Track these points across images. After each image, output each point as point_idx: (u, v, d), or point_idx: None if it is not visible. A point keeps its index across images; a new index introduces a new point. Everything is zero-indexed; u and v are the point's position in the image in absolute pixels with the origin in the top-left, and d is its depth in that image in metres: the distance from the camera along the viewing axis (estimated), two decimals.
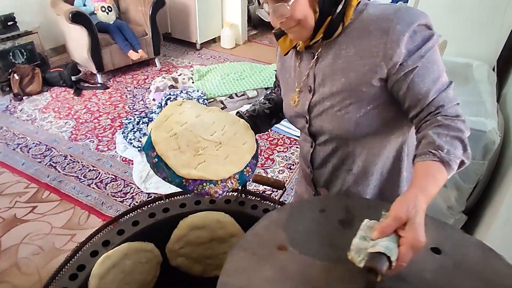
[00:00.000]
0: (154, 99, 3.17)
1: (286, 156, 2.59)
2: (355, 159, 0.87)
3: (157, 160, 0.79)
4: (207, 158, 0.81)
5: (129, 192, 2.22)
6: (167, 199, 1.00)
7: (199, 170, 0.78)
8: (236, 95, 3.20)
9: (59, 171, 2.38)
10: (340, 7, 0.74)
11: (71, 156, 2.53)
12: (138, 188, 2.23)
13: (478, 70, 1.91)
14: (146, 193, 2.20)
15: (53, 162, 2.46)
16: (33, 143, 2.66)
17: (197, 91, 3.09)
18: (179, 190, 0.87)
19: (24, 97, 3.25)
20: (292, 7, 0.72)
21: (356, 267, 0.58)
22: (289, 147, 2.67)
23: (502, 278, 0.63)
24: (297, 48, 0.85)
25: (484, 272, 0.64)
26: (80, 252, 0.87)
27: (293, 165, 2.50)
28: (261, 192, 2.18)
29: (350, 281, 0.62)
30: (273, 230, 0.72)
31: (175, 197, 1.01)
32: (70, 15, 3.09)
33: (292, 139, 2.75)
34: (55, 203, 2.14)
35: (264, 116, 1.02)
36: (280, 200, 0.98)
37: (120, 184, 2.28)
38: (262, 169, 2.46)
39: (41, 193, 2.21)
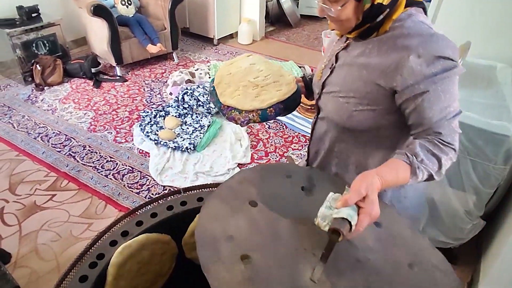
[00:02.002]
0: (171, 93, 3.20)
1: (300, 154, 2.58)
2: (341, 146, 0.98)
3: (212, 88, 1.05)
4: (242, 93, 1.01)
5: (145, 184, 2.25)
6: (184, 193, 1.01)
7: (232, 100, 1.00)
8: None
9: (77, 161, 2.44)
10: (381, 17, 0.79)
11: (89, 146, 2.58)
12: (154, 180, 2.27)
13: (501, 73, 1.86)
14: (162, 185, 2.24)
15: (72, 152, 2.52)
16: (53, 132, 2.73)
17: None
18: (195, 184, 0.92)
19: (45, 88, 3.33)
20: (340, 11, 0.79)
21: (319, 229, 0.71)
22: (304, 145, 2.67)
23: (425, 255, 0.79)
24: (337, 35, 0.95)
25: (412, 246, 0.81)
26: (99, 241, 0.89)
27: None
28: None
29: (313, 238, 0.74)
30: (245, 186, 0.82)
31: (192, 191, 1.02)
32: (92, 8, 3.14)
33: (307, 137, 2.74)
34: (73, 192, 2.20)
35: None
36: None
37: (137, 175, 2.32)
38: None
39: (60, 182, 2.27)
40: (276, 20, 5.11)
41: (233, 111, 0.99)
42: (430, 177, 0.77)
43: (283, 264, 0.68)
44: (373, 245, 0.78)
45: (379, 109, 0.83)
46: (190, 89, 2.98)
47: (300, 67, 3.54)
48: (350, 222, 0.66)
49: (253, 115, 0.98)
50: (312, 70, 3.68)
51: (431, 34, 0.77)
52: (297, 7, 5.25)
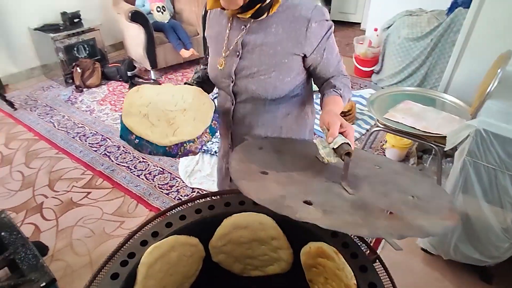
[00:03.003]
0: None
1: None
2: (268, 116, 1.12)
3: (138, 140, 0.94)
4: (180, 124, 0.97)
5: (175, 185, 2.31)
6: (212, 197, 1.03)
7: (177, 135, 0.94)
8: None
9: (112, 161, 2.54)
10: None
11: (123, 147, 2.69)
12: (183, 182, 2.33)
13: None
14: (190, 187, 2.29)
15: (107, 152, 2.63)
16: (91, 132, 2.86)
17: None
18: (224, 189, 0.93)
19: (84, 89, 3.50)
20: None
21: (319, 166, 0.88)
22: None
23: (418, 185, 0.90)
24: (227, 15, 1.03)
25: (414, 184, 0.90)
26: (131, 240, 0.92)
27: None
28: None
29: (323, 173, 0.88)
30: (245, 164, 0.89)
31: (221, 196, 1.04)
32: (130, 14, 3.28)
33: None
34: (107, 191, 2.29)
35: (208, 79, 1.17)
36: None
37: (167, 177, 2.38)
38: None
39: (95, 180, 2.38)
40: None
41: (185, 145, 0.94)
42: (348, 100, 1.07)
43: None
44: (377, 180, 0.92)
45: (294, 73, 1.04)
46: None
47: None
48: (348, 143, 0.83)
49: (205, 136, 0.98)
50: None
51: (314, 4, 0.98)
52: (329, 12, 5.22)
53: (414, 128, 1.99)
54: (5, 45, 3.50)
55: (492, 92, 1.66)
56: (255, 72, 1.03)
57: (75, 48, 3.58)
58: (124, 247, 0.91)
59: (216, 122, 1.02)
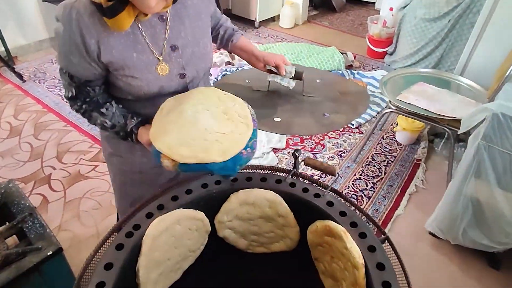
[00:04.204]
0: (210, 74, 3.22)
1: (337, 143, 2.52)
2: (202, 83, 1.09)
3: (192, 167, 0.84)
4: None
5: None
6: None
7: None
8: None
9: None
10: None
11: None
12: None
13: None
14: None
15: None
16: None
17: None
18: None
19: None
20: None
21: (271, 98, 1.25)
22: (341, 134, 2.60)
23: (348, 87, 1.36)
24: (140, 19, 0.85)
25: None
26: (137, 212, 0.92)
27: (344, 152, 2.43)
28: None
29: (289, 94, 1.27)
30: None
31: None
32: None
33: (345, 127, 2.66)
34: None
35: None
36: (332, 186, 0.96)
37: None
38: (312, 153, 2.42)
39: (102, 154, 2.38)
40: (319, 4, 4.96)
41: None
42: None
43: None
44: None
45: (210, 35, 1.07)
46: (229, 71, 2.98)
47: (342, 53, 3.42)
48: (295, 68, 1.20)
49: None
50: (355, 57, 3.54)
51: None
52: None
53: (427, 110, 1.94)
54: (14, 16, 3.46)
55: (511, 75, 1.59)
56: (197, 51, 0.98)
57: None
58: (130, 219, 0.91)
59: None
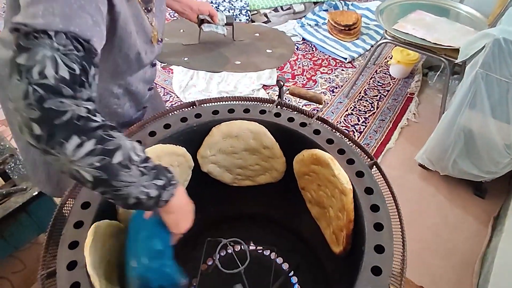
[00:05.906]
0: None
1: (329, 78, 2.43)
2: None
3: None
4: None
5: (168, 100, 2.23)
6: (199, 105, 0.96)
7: None
8: (282, 9, 2.94)
9: None
10: None
11: None
12: (178, 97, 2.24)
13: None
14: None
15: None
16: None
17: (240, 1, 2.87)
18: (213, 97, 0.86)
19: None
20: None
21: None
22: (333, 69, 2.50)
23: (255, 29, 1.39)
24: None
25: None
26: None
27: (336, 88, 2.36)
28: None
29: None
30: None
31: (208, 104, 0.96)
32: None
33: (338, 61, 2.55)
34: None
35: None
36: (320, 115, 0.91)
37: (160, 91, 2.29)
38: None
39: None
40: None
41: None
42: None
43: None
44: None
45: None
46: (215, 2, 2.78)
47: None
48: (225, 15, 1.19)
49: None
50: None
51: None
52: None
53: (424, 40, 1.83)
54: None
55: None
56: (163, 10, 0.93)
57: None
58: None
59: None
